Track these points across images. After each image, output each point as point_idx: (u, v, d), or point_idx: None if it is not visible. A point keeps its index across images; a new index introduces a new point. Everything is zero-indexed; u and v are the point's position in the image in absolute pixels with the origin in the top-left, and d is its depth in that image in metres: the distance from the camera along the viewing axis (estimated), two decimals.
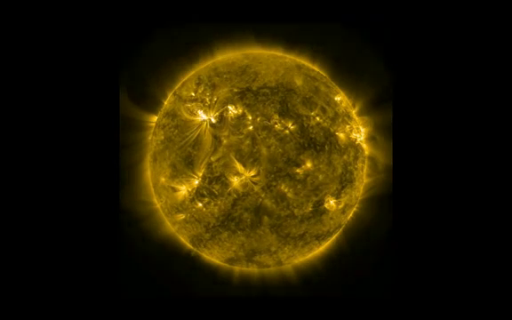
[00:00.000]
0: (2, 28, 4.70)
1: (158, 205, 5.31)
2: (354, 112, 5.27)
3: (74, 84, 4.78)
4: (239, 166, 4.70)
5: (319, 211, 4.95)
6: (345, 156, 4.99)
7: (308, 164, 4.77)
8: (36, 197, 4.70)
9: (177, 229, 5.28)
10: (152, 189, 5.31)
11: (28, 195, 4.70)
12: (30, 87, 4.73)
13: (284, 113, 4.78)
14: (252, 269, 5.36)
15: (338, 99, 5.18)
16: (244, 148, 4.70)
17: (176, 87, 5.28)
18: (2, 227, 4.67)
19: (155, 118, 5.31)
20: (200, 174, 4.81)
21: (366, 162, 5.30)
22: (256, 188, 4.72)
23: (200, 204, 4.90)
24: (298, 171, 4.75)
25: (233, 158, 4.70)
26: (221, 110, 4.81)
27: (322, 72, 5.30)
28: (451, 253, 4.78)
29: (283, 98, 4.84)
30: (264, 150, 4.69)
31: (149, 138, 5.31)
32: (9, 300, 4.71)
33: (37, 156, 4.71)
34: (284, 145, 4.71)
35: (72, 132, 4.77)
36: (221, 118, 4.79)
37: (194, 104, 4.94)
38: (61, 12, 4.78)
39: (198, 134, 4.83)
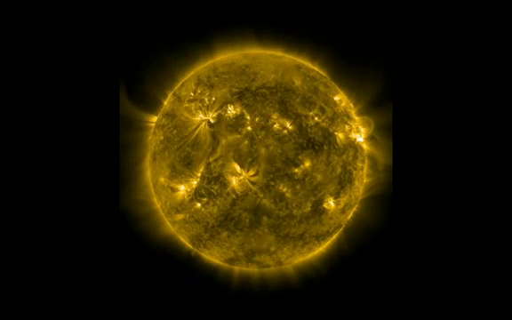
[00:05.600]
0: (5, 27, 4.72)
1: (158, 205, 5.32)
2: (353, 112, 5.27)
3: (74, 84, 4.79)
4: (237, 166, 4.70)
5: (318, 210, 4.94)
6: (344, 156, 4.99)
7: (307, 164, 4.77)
8: (36, 198, 4.72)
9: (177, 229, 5.28)
10: (152, 189, 5.32)
11: (27, 194, 4.71)
12: (30, 87, 4.74)
13: (283, 113, 4.78)
14: (252, 269, 5.36)
15: (337, 98, 5.18)
16: (242, 147, 4.70)
17: (176, 87, 5.29)
18: (1, 226, 4.69)
19: (154, 118, 5.32)
20: (199, 174, 4.82)
21: (366, 162, 5.29)
22: (254, 188, 4.72)
23: (199, 204, 4.90)
24: (296, 171, 4.74)
25: (231, 158, 4.70)
26: (220, 110, 4.81)
27: (321, 72, 5.30)
28: (451, 253, 4.77)
29: (282, 98, 4.84)
30: (262, 150, 4.69)
31: (149, 138, 5.32)
32: (8, 300, 4.73)
33: (37, 155, 4.73)
34: (283, 145, 4.71)
35: (72, 131, 4.78)
36: (220, 118, 4.80)
37: (193, 104, 4.95)
38: (62, 12, 4.80)
39: (197, 134, 4.84)
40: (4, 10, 4.72)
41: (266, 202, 4.76)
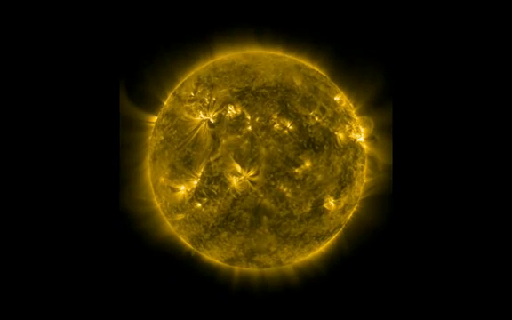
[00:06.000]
0: (5, 27, 4.71)
1: (158, 205, 5.32)
2: (353, 112, 5.27)
3: (74, 83, 4.79)
4: (237, 166, 4.70)
5: (318, 211, 4.95)
6: (344, 156, 4.99)
7: (307, 164, 4.77)
8: (36, 197, 4.71)
9: (177, 229, 5.28)
10: (152, 189, 5.32)
11: (27, 194, 4.71)
12: (30, 87, 4.74)
13: (284, 113, 4.78)
14: (252, 269, 5.36)
15: (337, 98, 5.18)
16: (242, 147, 4.70)
17: (176, 87, 5.29)
18: (1, 226, 4.69)
19: (154, 118, 5.32)
20: (199, 174, 4.82)
21: (366, 162, 5.30)
22: (255, 188, 4.72)
23: (199, 204, 4.90)
24: (297, 171, 4.74)
25: (231, 158, 4.70)
26: (220, 110, 4.81)
27: (321, 72, 5.30)
28: (451, 253, 4.77)
29: (282, 98, 4.84)
30: (263, 150, 4.69)
31: (149, 138, 5.32)
32: (8, 300, 4.72)
33: (37, 155, 4.72)
34: (283, 145, 4.72)
35: (72, 131, 4.78)
36: (220, 118, 4.80)
37: (193, 104, 4.95)
38: (63, 12, 4.80)
39: (197, 134, 4.84)
40: (5, 10, 4.72)
41: (266, 202, 4.76)
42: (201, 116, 4.88)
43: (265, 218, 4.81)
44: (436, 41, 4.82)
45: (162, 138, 5.07)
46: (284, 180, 4.73)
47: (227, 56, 5.29)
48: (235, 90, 4.88)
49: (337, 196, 5.00)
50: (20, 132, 4.72)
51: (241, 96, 4.83)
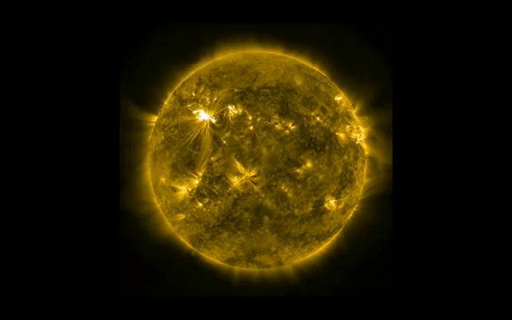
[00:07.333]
0: (3, 26, 4.70)
1: (158, 205, 5.31)
2: (354, 112, 5.28)
3: (74, 83, 4.78)
4: (239, 166, 4.70)
5: (319, 211, 4.95)
6: (345, 156, 5.00)
7: (309, 164, 4.78)
8: (36, 197, 4.70)
9: (177, 229, 5.28)
10: (152, 189, 5.31)
11: (28, 194, 4.69)
12: (30, 87, 4.73)
13: (285, 113, 4.78)
14: (252, 269, 5.36)
15: (338, 99, 5.19)
16: (244, 148, 4.70)
17: (176, 87, 5.28)
18: (1, 226, 4.67)
19: (155, 118, 5.31)
20: (200, 174, 4.82)
21: (366, 162, 5.30)
22: (256, 188, 4.72)
23: (200, 204, 4.90)
24: (298, 171, 4.75)
25: (233, 158, 4.70)
26: (221, 110, 4.81)
27: (322, 72, 5.30)
28: (451, 253, 4.78)
29: (283, 98, 4.84)
30: (264, 150, 4.69)
31: (149, 138, 5.31)
32: (8, 300, 4.71)
33: (38, 155, 4.71)
34: (285, 145, 4.72)
35: (72, 131, 4.77)
36: (221, 118, 4.79)
37: (194, 104, 4.95)
38: (62, 11, 4.78)
39: (198, 134, 4.83)
40: (4, 9, 4.70)
41: (267, 202, 4.76)
42: (202, 116, 4.87)
43: (266, 218, 4.81)
44: (435, 41, 4.83)
45: (163, 138, 5.07)
46: (286, 180, 4.73)
47: (227, 56, 5.28)
48: (236, 90, 4.88)
49: (338, 196, 5.01)
50: (20, 131, 4.70)
51: (242, 96, 4.83)
